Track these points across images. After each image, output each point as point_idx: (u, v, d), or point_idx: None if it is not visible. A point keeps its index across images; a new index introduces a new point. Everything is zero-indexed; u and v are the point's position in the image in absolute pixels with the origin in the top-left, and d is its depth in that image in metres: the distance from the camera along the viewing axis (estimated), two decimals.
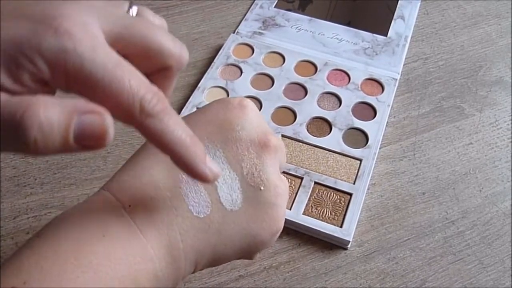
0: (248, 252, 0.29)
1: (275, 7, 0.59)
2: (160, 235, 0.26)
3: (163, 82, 0.26)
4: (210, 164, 0.24)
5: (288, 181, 0.44)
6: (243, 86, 0.51)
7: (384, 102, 0.50)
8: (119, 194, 0.27)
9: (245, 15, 0.59)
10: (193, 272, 0.29)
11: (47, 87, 0.21)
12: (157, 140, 0.23)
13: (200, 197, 0.27)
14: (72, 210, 0.26)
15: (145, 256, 0.25)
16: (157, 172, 0.28)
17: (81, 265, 0.23)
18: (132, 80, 0.21)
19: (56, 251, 0.23)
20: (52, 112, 0.19)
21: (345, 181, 0.44)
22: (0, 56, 0.20)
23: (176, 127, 0.23)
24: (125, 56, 0.22)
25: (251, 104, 0.31)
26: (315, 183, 0.44)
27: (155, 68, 0.25)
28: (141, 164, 0.28)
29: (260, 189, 0.29)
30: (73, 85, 0.21)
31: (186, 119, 0.30)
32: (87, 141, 0.20)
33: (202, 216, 0.27)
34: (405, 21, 0.58)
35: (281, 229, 0.30)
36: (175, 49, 0.25)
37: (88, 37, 0.21)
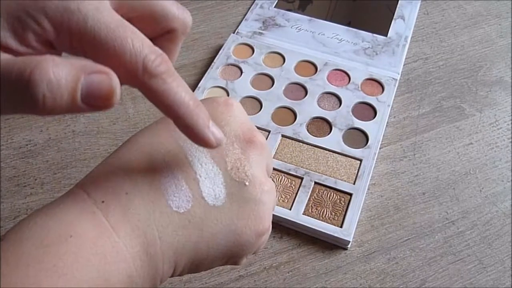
0: (232, 254, 0.28)
1: (275, 7, 0.59)
2: (134, 232, 0.24)
3: (168, 46, 0.26)
4: (213, 128, 0.24)
5: (288, 181, 0.44)
6: (243, 86, 0.51)
7: (384, 102, 0.50)
8: (91, 190, 0.25)
9: (245, 15, 0.59)
10: (173, 276, 0.27)
11: (52, 49, 0.22)
12: (160, 101, 0.22)
13: (180, 191, 0.26)
14: (38, 211, 0.25)
15: (116, 255, 0.23)
16: (135, 165, 0.26)
17: (44, 269, 0.21)
18: (135, 40, 0.21)
19: (18, 254, 0.22)
20: (60, 70, 0.19)
21: (345, 181, 0.44)
22: (6, 17, 0.20)
23: (179, 89, 0.23)
24: (129, 20, 0.23)
25: (236, 104, 0.30)
26: (315, 183, 0.44)
27: (160, 32, 0.25)
28: (118, 158, 0.27)
29: (245, 185, 0.27)
30: (77, 45, 0.21)
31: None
32: (95, 100, 0.20)
33: (182, 211, 0.26)
34: (405, 21, 0.58)
35: (268, 231, 0.29)
36: (179, 11, 0.25)
37: None
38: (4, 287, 0.21)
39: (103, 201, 0.24)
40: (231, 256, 0.28)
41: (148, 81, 0.22)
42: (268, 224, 0.29)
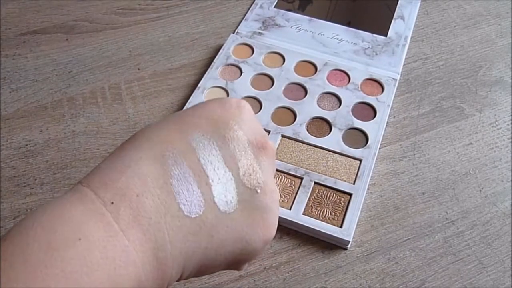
0: (238, 261, 0.28)
1: (275, 7, 0.59)
2: (145, 236, 0.23)
3: None
4: None
5: (288, 181, 0.44)
6: (243, 86, 0.51)
7: (384, 102, 0.50)
8: (100, 190, 0.24)
9: (245, 15, 0.59)
10: (178, 280, 0.26)
11: None
12: None
13: (192, 195, 0.25)
14: (43, 209, 0.24)
15: (127, 259, 0.23)
16: (146, 165, 0.25)
17: (52, 274, 0.21)
18: None
19: (25, 257, 0.21)
20: None
21: (345, 181, 0.44)
22: None
23: None
24: None
25: (248, 106, 0.30)
26: (315, 183, 0.44)
27: None
28: (128, 156, 0.26)
29: (257, 192, 0.27)
30: None
31: (181, 114, 0.29)
32: None
33: (194, 216, 0.25)
34: (405, 21, 0.58)
35: (272, 237, 0.28)
36: None
37: None
38: None
39: (112, 203, 0.23)
40: (236, 262, 0.28)
41: None
42: (274, 231, 0.28)
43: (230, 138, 0.27)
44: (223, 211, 0.26)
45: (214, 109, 0.28)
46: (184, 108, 0.49)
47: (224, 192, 0.26)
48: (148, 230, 0.24)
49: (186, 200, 0.25)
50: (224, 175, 0.26)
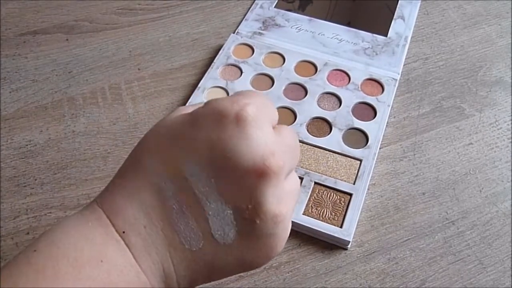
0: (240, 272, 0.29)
1: (275, 7, 0.59)
2: (154, 264, 0.25)
3: None
4: None
5: None
6: (243, 86, 0.51)
7: (384, 102, 0.50)
8: (112, 216, 0.26)
9: (245, 15, 0.59)
10: None
11: None
12: None
13: (191, 230, 0.26)
14: (67, 223, 0.26)
15: (140, 284, 0.25)
16: (147, 197, 0.26)
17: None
18: None
19: (55, 271, 0.23)
20: None
21: (345, 181, 0.44)
22: None
23: None
24: None
25: (250, 117, 0.25)
26: (315, 183, 0.44)
27: None
28: (132, 183, 0.26)
29: (256, 223, 0.26)
30: None
31: (174, 127, 0.27)
32: None
33: (194, 249, 0.26)
34: (405, 21, 0.58)
35: (277, 254, 0.28)
36: None
37: None
38: None
39: (123, 232, 0.25)
40: (239, 272, 0.29)
41: None
42: (281, 247, 0.28)
43: (227, 167, 0.25)
44: (221, 243, 0.26)
45: (210, 129, 0.25)
46: None
47: (222, 225, 0.26)
48: (156, 260, 0.25)
49: (186, 235, 0.26)
50: (220, 208, 0.25)
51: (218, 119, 0.25)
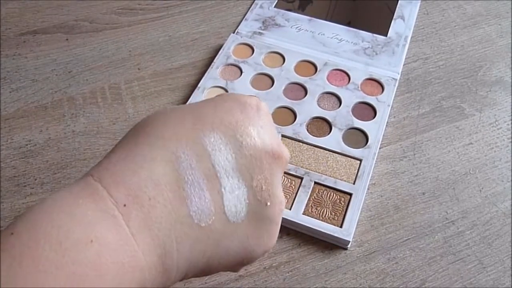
0: (237, 266, 0.28)
1: (275, 7, 0.59)
2: (154, 241, 0.23)
3: None
4: None
5: (288, 181, 0.44)
6: (243, 86, 0.51)
7: (384, 102, 0.50)
8: (112, 188, 0.23)
9: (245, 15, 0.59)
10: (179, 281, 0.27)
11: None
12: None
13: (204, 203, 0.25)
14: (52, 202, 0.23)
15: (135, 265, 0.22)
16: (160, 166, 0.24)
17: (63, 276, 0.20)
18: None
19: (34, 256, 0.20)
20: None
21: (345, 181, 0.44)
22: None
23: None
24: None
25: (266, 109, 0.29)
26: (315, 183, 0.44)
27: None
28: (142, 154, 0.25)
29: (266, 205, 0.27)
30: None
31: (199, 108, 0.27)
32: None
33: (203, 225, 0.25)
34: (405, 21, 0.58)
35: (273, 246, 0.29)
36: None
37: None
38: None
39: (124, 205, 0.23)
40: (235, 266, 0.28)
41: None
42: (275, 241, 0.29)
43: (247, 146, 0.26)
44: (231, 221, 0.26)
45: (234, 111, 0.27)
46: None
47: (235, 202, 0.26)
48: (157, 236, 0.23)
49: (197, 208, 0.25)
50: (237, 185, 0.26)
51: (242, 105, 0.28)
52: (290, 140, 0.47)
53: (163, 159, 0.25)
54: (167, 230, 0.24)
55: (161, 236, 0.23)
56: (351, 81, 0.51)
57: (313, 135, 0.47)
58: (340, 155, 0.46)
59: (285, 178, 0.44)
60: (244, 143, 0.26)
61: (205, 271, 0.27)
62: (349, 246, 0.41)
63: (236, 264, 0.28)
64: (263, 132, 0.27)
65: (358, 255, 0.41)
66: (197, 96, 0.50)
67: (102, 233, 0.22)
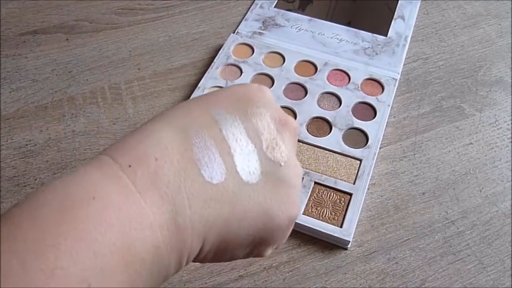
0: (261, 239, 0.26)
1: (275, 7, 0.59)
2: (163, 199, 0.22)
3: None
4: None
5: None
6: None
7: (384, 102, 0.50)
8: (117, 155, 0.23)
9: (245, 15, 0.59)
10: (198, 257, 0.25)
11: None
12: None
13: (214, 162, 0.24)
14: (57, 178, 0.23)
15: (143, 221, 0.21)
16: (167, 133, 0.24)
17: (63, 232, 0.19)
18: None
19: (34, 218, 0.20)
20: None
21: (345, 181, 0.44)
22: None
23: None
24: None
25: (268, 91, 0.30)
26: (315, 183, 0.44)
27: None
28: (150, 127, 0.25)
29: (280, 165, 0.26)
30: None
31: (203, 95, 0.29)
32: None
33: (215, 182, 0.24)
34: (405, 21, 0.58)
35: (297, 217, 0.28)
36: None
37: None
38: (18, 250, 0.19)
39: (129, 166, 0.22)
40: (259, 242, 0.27)
41: None
42: (298, 209, 0.28)
43: (253, 113, 0.27)
44: (245, 181, 0.25)
45: (236, 89, 0.29)
46: None
47: (247, 162, 0.25)
48: (166, 193, 0.22)
49: (207, 166, 0.24)
50: (246, 147, 0.26)
51: (246, 86, 0.29)
52: None
53: (170, 129, 0.25)
54: (177, 188, 0.23)
55: (170, 193, 0.23)
56: (351, 81, 0.51)
57: (313, 135, 0.47)
58: (340, 155, 0.46)
59: None
60: (249, 111, 0.27)
61: (226, 243, 0.25)
62: (349, 246, 0.41)
63: (260, 235, 0.26)
64: (267, 103, 0.28)
65: (358, 255, 0.41)
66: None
67: (106, 192, 0.21)
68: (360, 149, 0.46)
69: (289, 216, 0.27)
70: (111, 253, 0.20)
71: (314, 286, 0.39)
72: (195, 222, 0.23)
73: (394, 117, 0.50)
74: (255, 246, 0.27)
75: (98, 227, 0.20)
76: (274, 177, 0.26)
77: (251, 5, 0.60)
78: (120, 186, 0.22)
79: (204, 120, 0.26)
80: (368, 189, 0.44)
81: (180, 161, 0.23)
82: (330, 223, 0.41)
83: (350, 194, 0.43)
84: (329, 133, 0.47)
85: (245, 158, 0.25)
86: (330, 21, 0.57)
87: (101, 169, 0.22)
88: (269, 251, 0.28)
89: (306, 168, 0.45)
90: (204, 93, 0.50)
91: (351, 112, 0.49)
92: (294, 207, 0.27)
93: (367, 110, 0.49)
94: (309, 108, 0.49)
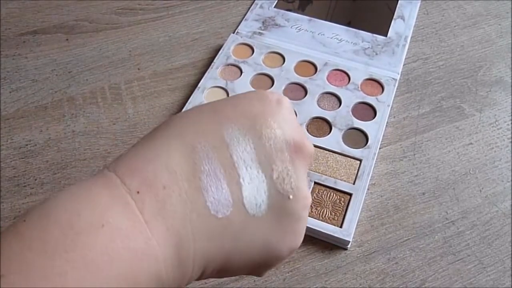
0: (260, 266, 0.26)
1: (275, 7, 0.59)
2: (168, 231, 0.22)
3: None
4: None
5: None
6: (243, 86, 0.51)
7: (384, 102, 0.50)
8: (126, 177, 0.23)
9: (245, 15, 0.59)
10: (198, 279, 0.25)
11: None
12: None
13: (221, 194, 0.24)
14: (66, 191, 0.22)
15: (148, 252, 0.21)
16: (176, 156, 0.24)
17: (72, 260, 0.20)
18: None
19: (44, 239, 0.20)
20: None
21: (345, 181, 0.44)
22: None
23: None
24: None
25: (288, 103, 0.28)
26: (315, 183, 0.44)
27: None
28: (158, 145, 0.24)
29: (289, 198, 0.25)
30: None
31: (218, 104, 0.27)
32: None
33: (221, 216, 0.24)
34: (405, 21, 0.58)
35: (299, 245, 0.27)
36: None
37: None
38: (27, 274, 0.19)
39: (138, 192, 0.22)
40: (258, 267, 0.27)
41: None
42: (301, 240, 0.27)
43: (267, 136, 0.26)
44: (251, 214, 0.24)
45: (253, 104, 0.27)
46: (184, 108, 0.49)
47: (255, 194, 0.25)
48: (172, 226, 0.22)
49: (214, 198, 0.24)
50: (256, 176, 0.25)
51: (262, 99, 0.27)
52: None
53: (179, 149, 0.24)
54: (182, 220, 0.23)
55: (176, 226, 0.22)
56: (351, 81, 0.51)
57: (313, 135, 0.47)
58: (340, 155, 0.46)
59: None
60: (264, 133, 0.26)
61: (226, 268, 0.25)
62: (349, 246, 0.41)
63: (260, 264, 0.26)
64: (283, 124, 0.26)
65: (358, 255, 0.41)
66: (197, 96, 0.50)
67: (114, 219, 0.21)
68: (360, 149, 0.46)
69: (290, 248, 0.26)
70: (117, 283, 0.20)
71: (314, 286, 0.39)
72: (197, 256, 0.23)
73: (394, 117, 0.50)
74: (255, 269, 0.27)
75: (105, 257, 0.20)
76: (281, 211, 0.25)
77: (251, 5, 0.60)
78: (128, 213, 0.22)
79: (215, 141, 0.25)
80: (368, 189, 0.44)
81: (187, 190, 0.23)
82: (330, 223, 0.41)
83: (350, 194, 0.43)
84: (329, 133, 0.47)
85: (253, 188, 0.25)
86: (330, 21, 0.57)
87: (110, 191, 0.22)
88: (266, 272, 0.28)
89: None
90: (204, 93, 0.50)
91: (351, 112, 0.49)
92: (298, 239, 0.27)
93: (367, 110, 0.49)
94: (309, 108, 0.49)
